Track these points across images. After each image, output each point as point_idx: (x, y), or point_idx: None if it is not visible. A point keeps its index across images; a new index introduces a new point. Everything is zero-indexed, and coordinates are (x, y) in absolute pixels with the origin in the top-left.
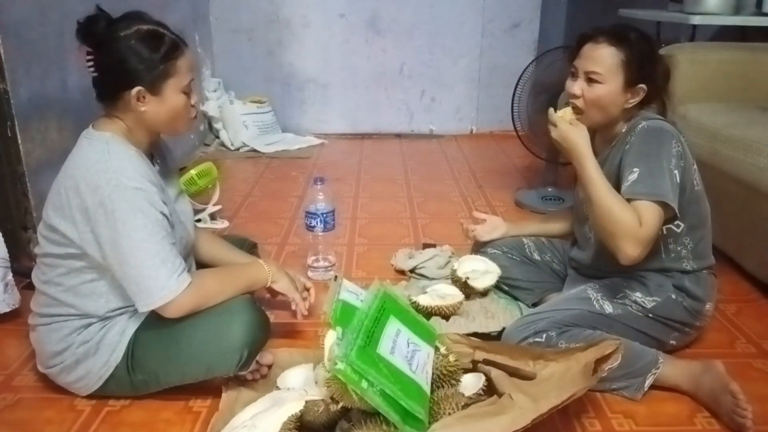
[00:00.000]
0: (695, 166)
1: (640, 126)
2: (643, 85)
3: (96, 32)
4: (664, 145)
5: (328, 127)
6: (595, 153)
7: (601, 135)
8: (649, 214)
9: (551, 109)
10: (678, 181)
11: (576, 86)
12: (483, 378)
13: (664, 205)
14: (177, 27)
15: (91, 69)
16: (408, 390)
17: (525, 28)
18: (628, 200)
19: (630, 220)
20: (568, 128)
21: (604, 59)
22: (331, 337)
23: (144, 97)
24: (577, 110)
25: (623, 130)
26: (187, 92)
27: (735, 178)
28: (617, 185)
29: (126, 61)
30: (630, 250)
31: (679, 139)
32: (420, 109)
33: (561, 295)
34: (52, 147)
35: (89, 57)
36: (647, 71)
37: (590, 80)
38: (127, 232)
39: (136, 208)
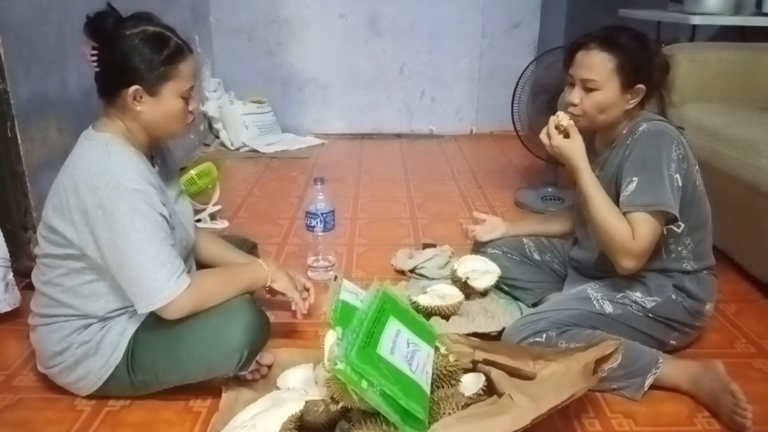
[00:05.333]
0: (697, 167)
1: (641, 129)
2: (641, 85)
3: (103, 28)
4: (664, 150)
5: (328, 127)
6: (596, 153)
7: (602, 136)
8: (643, 227)
9: (551, 120)
10: (680, 184)
11: (574, 94)
12: (483, 378)
13: (663, 213)
14: (177, 27)
15: (95, 64)
16: (408, 390)
17: (525, 28)
18: (626, 212)
19: (623, 236)
20: (562, 143)
21: (597, 66)
22: (331, 337)
23: (141, 96)
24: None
25: (624, 132)
26: (185, 98)
27: (735, 178)
28: (616, 188)
29: (128, 59)
30: (624, 263)
31: (680, 141)
32: (420, 109)
33: (561, 295)
34: (52, 147)
35: (94, 52)
36: (643, 71)
37: (587, 88)
38: (126, 233)
39: (135, 210)
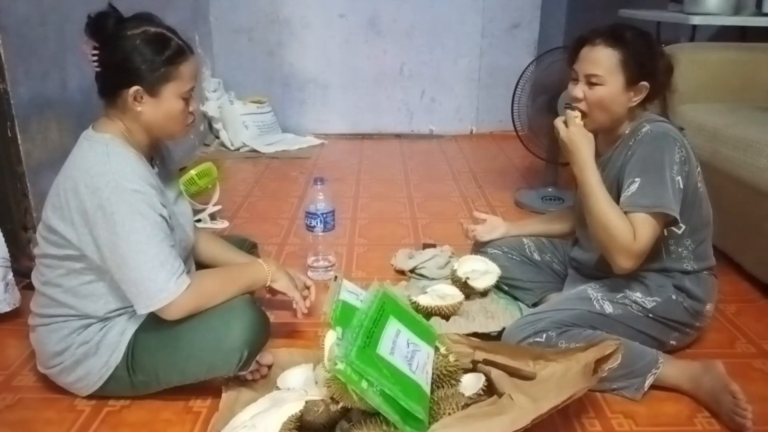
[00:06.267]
0: (699, 169)
1: (644, 130)
2: (645, 83)
3: (105, 28)
4: (667, 151)
5: (328, 127)
6: (599, 153)
7: (604, 135)
8: (644, 227)
9: (567, 111)
10: (681, 186)
11: (578, 89)
12: (483, 378)
13: (664, 215)
14: (177, 27)
15: (95, 64)
16: (408, 390)
17: (525, 28)
18: (627, 212)
19: (624, 235)
20: (578, 132)
21: (602, 60)
22: (331, 337)
23: (141, 97)
24: (584, 114)
25: (626, 132)
26: (186, 98)
27: (735, 178)
28: (618, 189)
29: (129, 59)
30: (623, 262)
31: (683, 143)
32: (420, 109)
33: (561, 295)
34: (52, 147)
35: (94, 52)
36: (648, 68)
37: (591, 83)
38: (125, 234)
39: (135, 211)
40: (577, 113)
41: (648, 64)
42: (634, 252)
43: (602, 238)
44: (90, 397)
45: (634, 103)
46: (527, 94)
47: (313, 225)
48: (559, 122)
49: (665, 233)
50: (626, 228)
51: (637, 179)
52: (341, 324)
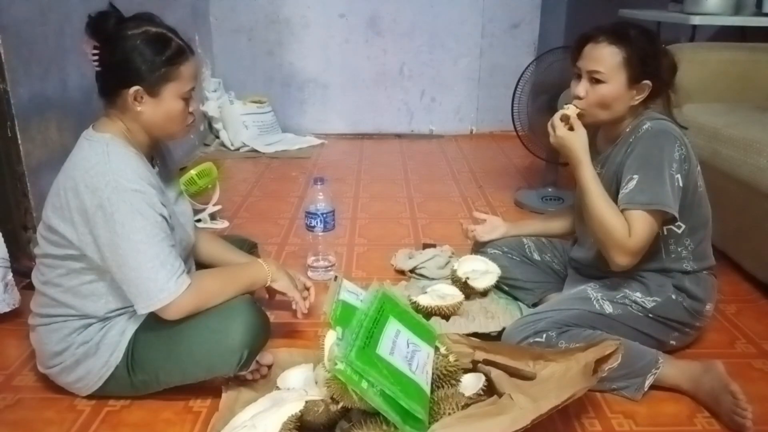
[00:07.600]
0: (699, 168)
1: (644, 127)
2: (647, 81)
3: (105, 28)
4: (667, 149)
5: (328, 127)
6: (598, 150)
7: (605, 132)
8: (640, 224)
9: (559, 111)
10: (680, 184)
11: (580, 87)
12: (483, 378)
13: (661, 212)
14: (177, 27)
15: (95, 63)
16: (408, 390)
17: (525, 28)
18: (624, 209)
19: (619, 232)
20: (566, 134)
21: (605, 58)
22: (331, 337)
23: (141, 97)
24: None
25: (627, 129)
26: (186, 99)
27: (735, 178)
28: (617, 186)
29: (129, 59)
30: (618, 259)
31: (683, 141)
32: (420, 109)
33: (561, 295)
34: (52, 147)
35: (95, 52)
36: (651, 67)
37: (593, 80)
38: (126, 234)
39: (135, 211)
40: (569, 107)
41: (651, 63)
42: (629, 248)
43: (598, 234)
44: (90, 397)
45: (637, 102)
46: (527, 94)
47: (313, 225)
48: (549, 128)
49: (665, 232)
50: (620, 225)
51: (635, 176)
52: (341, 324)
